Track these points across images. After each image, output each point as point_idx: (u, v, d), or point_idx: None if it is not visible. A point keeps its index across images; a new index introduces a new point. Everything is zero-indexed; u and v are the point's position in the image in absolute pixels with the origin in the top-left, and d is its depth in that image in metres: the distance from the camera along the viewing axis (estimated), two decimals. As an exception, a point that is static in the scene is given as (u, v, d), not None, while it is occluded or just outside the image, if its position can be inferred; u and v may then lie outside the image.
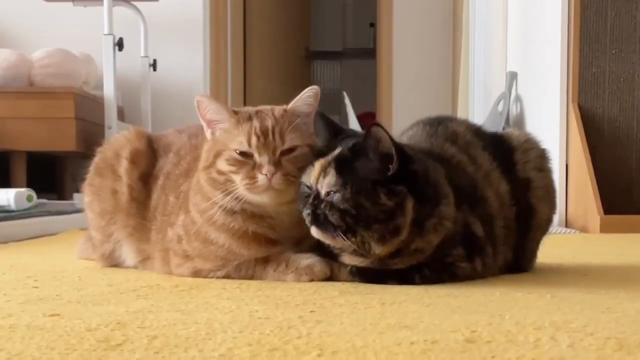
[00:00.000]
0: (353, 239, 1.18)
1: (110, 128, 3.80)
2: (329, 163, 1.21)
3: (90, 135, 3.88)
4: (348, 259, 1.25)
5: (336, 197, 1.18)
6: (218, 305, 0.99)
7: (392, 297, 1.08)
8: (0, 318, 0.90)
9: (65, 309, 0.96)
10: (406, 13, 5.42)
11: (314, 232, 1.21)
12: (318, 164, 1.22)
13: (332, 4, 7.77)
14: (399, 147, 1.19)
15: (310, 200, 1.20)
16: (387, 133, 1.17)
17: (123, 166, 1.49)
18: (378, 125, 1.16)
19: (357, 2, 7.70)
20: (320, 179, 1.20)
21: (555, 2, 3.32)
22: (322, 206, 1.19)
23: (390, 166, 1.17)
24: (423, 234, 1.21)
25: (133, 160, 1.50)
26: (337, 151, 1.21)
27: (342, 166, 1.19)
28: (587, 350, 0.72)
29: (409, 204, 1.19)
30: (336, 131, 1.29)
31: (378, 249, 1.20)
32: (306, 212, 1.21)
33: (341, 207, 1.17)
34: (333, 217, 1.18)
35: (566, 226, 3.25)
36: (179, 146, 1.50)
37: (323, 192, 1.20)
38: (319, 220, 1.19)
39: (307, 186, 1.23)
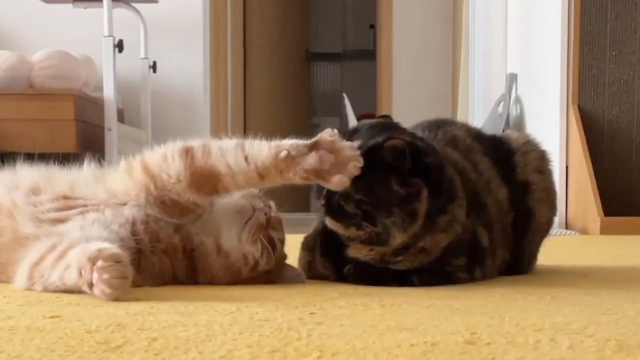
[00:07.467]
0: (371, 227, 1.18)
1: (110, 130, 3.80)
2: None
3: (90, 137, 3.87)
4: (354, 251, 1.24)
5: (350, 188, 1.17)
6: (218, 307, 0.99)
7: (391, 298, 1.08)
8: (0, 320, 0.89)
9: (65, 311, 0.96)
10: (406, 14, 5.42)
11: (329, 222, 1.22)
12: None
13: (332, 5, 7.78)
14: (411, 144, 1.18)
15: (324, 191, 1.20)
16: (401, 138, 1.18)
17: None
18: (392, 138, 1.17)
19: (357, 3, 7.71)
20: None
21: (555, 4, 3.32)
22: (337, 197, 1.19)
23: (404, 163, 1.17)
24: (433, 230, 1.20)
25: None
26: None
27: None
28: (587, 351, 0.72)
29: (424, 194, 1.18)
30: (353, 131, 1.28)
31: (399, 236, 1.18)
32: (321, 203, 1.21)
33: (355, 197, 1.17)
34: (349, 207, 1.18)
35: (566, 228, 3.25)
36: None
37: None
38: (333, 210, 1.19)
39: None
